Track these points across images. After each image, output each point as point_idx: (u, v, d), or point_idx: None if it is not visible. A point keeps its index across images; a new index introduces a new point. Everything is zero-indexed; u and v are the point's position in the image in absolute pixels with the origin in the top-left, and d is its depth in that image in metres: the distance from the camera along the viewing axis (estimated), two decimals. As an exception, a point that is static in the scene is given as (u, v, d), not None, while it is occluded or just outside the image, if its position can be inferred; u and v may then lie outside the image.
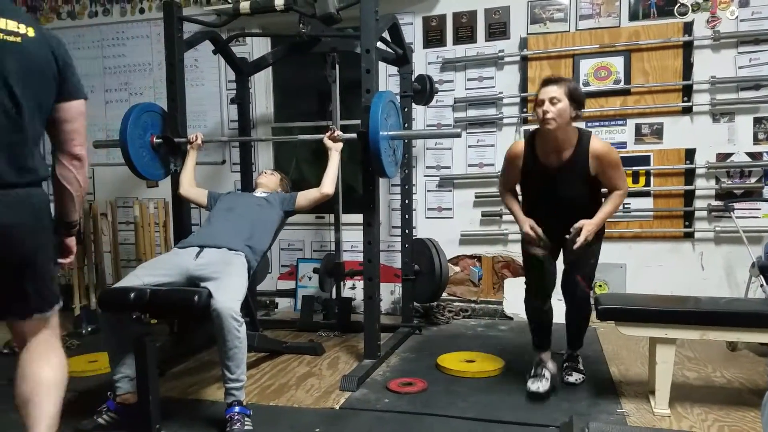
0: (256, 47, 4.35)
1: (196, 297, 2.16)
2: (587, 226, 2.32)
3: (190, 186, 3.03)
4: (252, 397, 2.55)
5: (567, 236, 2.36)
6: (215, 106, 4.48)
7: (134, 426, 2.14)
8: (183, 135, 3.21)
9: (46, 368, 1.70)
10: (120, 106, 4.52)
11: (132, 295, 2.20)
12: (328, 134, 2.93)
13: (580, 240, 2.31)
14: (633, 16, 3.78)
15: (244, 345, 2.19)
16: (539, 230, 2.40)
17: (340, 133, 2.95)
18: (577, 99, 2.29)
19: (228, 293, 2.19)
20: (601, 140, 2.38)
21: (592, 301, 2.64)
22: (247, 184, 3.75)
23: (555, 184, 2.39)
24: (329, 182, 2.87)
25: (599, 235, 2.49)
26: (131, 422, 2.19)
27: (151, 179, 3.33)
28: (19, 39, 1.54)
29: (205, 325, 2.37)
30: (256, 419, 2.24)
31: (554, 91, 2.26)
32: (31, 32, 1.57)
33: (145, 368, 2.09)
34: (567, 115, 2.27)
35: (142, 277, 2.34)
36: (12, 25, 1.54)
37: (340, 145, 2.93)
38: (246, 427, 2.14)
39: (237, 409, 2.17)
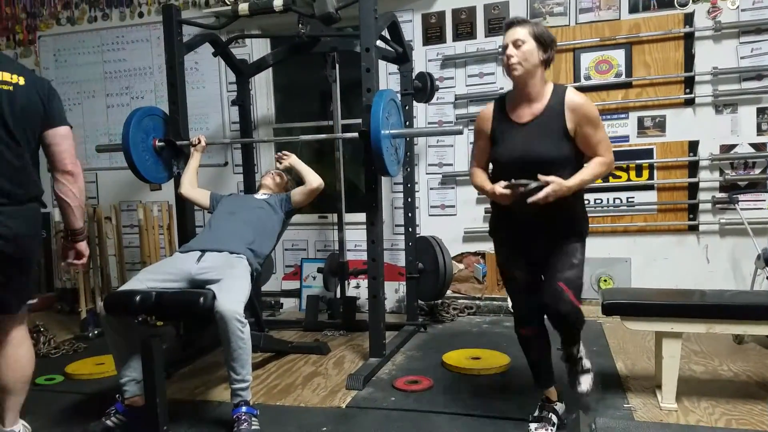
0: (256, 49, 4.35)
1: (201, 299, 2.16)
2: (554, 185, 1.88)
3: (192, 186, 3.03)
4: (259, 397, 2.56)
5: (523, 186, 1.92)
6: (216, 108, 4.49)
7: (142, 428, 2.14)
8: (185, 138, 3.21)
9: (24, 369, 2.08)
10: (121, 111, 4.55)
11: (137, 297, 2.21)
12: (278, 164, 3.06)
13: (538, 195, 1.87)
14: (633, 9, 3.76)
15: (249, 345, 2.19)
16: (511, 181, 1.95)
17: (281, 154, 3.03)
18: (544, 41, 2.01)
19: (231, 295, 2.20)
20: (578, 92, 2.03)
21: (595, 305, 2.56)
22: (250, 186, 3.76)
23: (527, 144, 2.00)
24: (310, 177, 2.90)
25: (581, 230, 2.07)
26: (139, 424, 2.19)
27: (154, 182, 3.34)
28: (11, 87, 1.91)
29: (210, 326, 2.38)
30: (264, 419, 2.24)
31: (518, 33, 1.99)
32: (21, 81, 1.95)
33: (152, 370, 2.09)
34: (535, 58, 1.99)
35: (145, 281, 2.34)
36: (6, 76, 1.91)
37: (293, 156, 3.00)
38: (253, 427, 2.14)
39: (244, 409, 2.17)
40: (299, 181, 2.97)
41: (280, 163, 3.03)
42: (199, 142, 3.11)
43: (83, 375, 2.94)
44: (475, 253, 4.14)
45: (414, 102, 3.72)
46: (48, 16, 4.84)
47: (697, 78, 3.67)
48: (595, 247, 3.89)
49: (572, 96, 2.00)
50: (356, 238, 4.02)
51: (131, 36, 4.65)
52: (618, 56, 3.79)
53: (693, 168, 3.72)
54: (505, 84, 3.98)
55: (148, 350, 2.10)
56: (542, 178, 1.90)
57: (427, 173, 4.16)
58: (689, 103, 3.71)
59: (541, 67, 2.04)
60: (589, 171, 1.99)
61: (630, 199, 3.82)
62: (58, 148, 2.04)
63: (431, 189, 4.17)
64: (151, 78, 4.61)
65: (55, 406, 2.56)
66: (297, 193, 2.92)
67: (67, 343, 3.53)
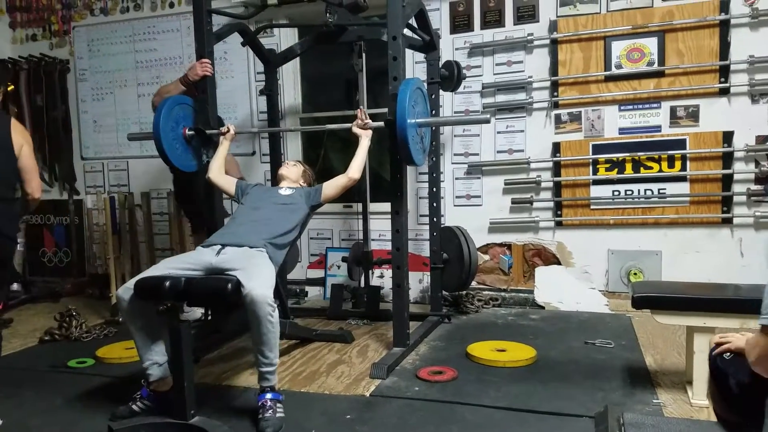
0: (284, 38, 4.37)
1: (228, 285, 2.18)
2: None
3: (220, 173, 3.05)
4: (284, 383, 2.59)
5: None
6: (245, 97, 4.52)
7: (169, 412, 2.19)
8: (214, 127, 3.24)
9: None
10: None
11: (167, 283, 2.23)
12: (356, 122, 2.92)
13: None
14: (667, -4, 3.67)
15: (278, 329, 2.20)
16: None
17: (369, 120, 2.93)
18: None
19: (259, 281, 2.21)
20: None
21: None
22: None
23: None
24: (356, 167, 2.85)
25: None
26: (164, 409, 2.24)
27: (184, 170, 3.38)
28: None
29: (237, 311, 2.41)
30: (289, 405, 2.27)
31: None
32: None
33: (180, 355, 2.13)
34: None
35: (165, 269, 2.36)
36: None
37: (370, 132, 2.91)
38: (278, 414, 2.16)
39: (269, 395, 2.19)
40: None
41: (359, 124, 2.88)
42: (228, 131, 3.13)
43: (113, 359, 3.01)
44: (501, 244, 4.10)
45: (440, 91, 3.69)
46: (82, 6, 4.92)
47: (732, 66, 3.56)
48: (625, 240, 3.83)
49: None
50: (381, 227, 4.01)
51: (162, 26, 4.71)
52: (650, 44, 3.70)
53: (727, 159, 3.62)
54: (534, 72, 3.92)
55: (176, 335, 2.14)
56: None
57: (452, 163, 4.13)
58: (724, 92, 3.60)
59: None
60: None
61: (661, 191, 3.74)
62: None
63: (456, 179, 4.14)
64: (181, 67, 4.64)
65: (85, 388, 2.63)
66: (329, 187, 2.86)
67: (98, 327, 3.62)
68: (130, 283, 2.28)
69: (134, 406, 2.28)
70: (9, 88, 5.00)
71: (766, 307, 1.29)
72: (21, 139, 2.70)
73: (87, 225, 4.88)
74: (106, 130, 4.94)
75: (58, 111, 4.95)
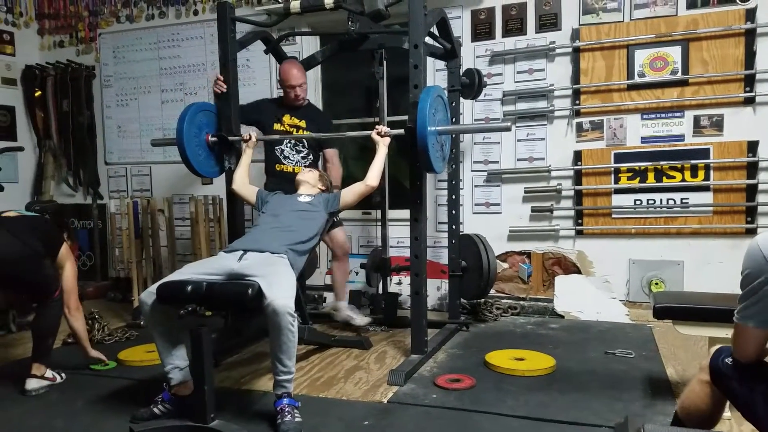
0: (306, 46, 4.41)
1: (249, 290, 2.20)
2: None
3: (243, 183, 3.10)
4: (302, 388, 2.60)
5: None
6: (266, 104, 4.56)
7: (188, 415, 2.21)
8: (237, 133, 3.28)
9: None
10: (175, 106, 4.70)
11: (189, 287, 2.26)
12: (375, 131, 2.95)
13: None
14: (691, 4, 3.63)
15: (296, 338, 2.23)
16: None
17: (387, 129, 2.95)
18: None
19: (281, 290, 2.23)
20: None
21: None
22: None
23: None
24: (374, 175, 2.88)
25: None
26: (185, 412, 2.26)
27: (206, 176, 3.43)
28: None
29: (257, 317, 2.43)
30: (307, 410, 2.28)
31: None
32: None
33: (201, 359, 2.15)
34: None
35: (187, 275, 2.39)
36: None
37: (388, 139, 2.93)
38: (296, 419, 2.17)
39: (286, 401, 2.21)
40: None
41: (379, 132, 2.92)
42: (250, 138, 3.17)
43: (135, 361, 3.05)
44: (520, 253, 4.09)
45: (461, 98, 3.70)
46: (108, 14, 5.03)
47: (758, 76, 3.51)
48: (646, 249, 3.79)
49: None
50: (399, 234, 4.02)
51: (186, 33, 4.79)
52: (674, 53, 3.67)
53: (752, 169, 3.56)
54: (555, 80, 3.91)
55: (197, 340, 2.16)
56: None
57: (472, 170, 4.13)
58: (749, 101, 3.55)
59: None
60: None
61: (684, 201, 3.70)
62: None
63: (476, 186, 4.13)
64: (204, 74, 4.73)
65: (107, 390, 2.67)
66: (347, 194, 2.89)
67: (120, 330, 3.67)
68: (153, 288, 2.31)
69: (155, 409, 2.31)
70: (36, 94, 5.13)
71: (739, 307, 1.55)
72: (65, 257, 2.78)
73: (110, 229, 4.96)
74: (130, 135, 5.04)
75: (84, 116, 5.06)
